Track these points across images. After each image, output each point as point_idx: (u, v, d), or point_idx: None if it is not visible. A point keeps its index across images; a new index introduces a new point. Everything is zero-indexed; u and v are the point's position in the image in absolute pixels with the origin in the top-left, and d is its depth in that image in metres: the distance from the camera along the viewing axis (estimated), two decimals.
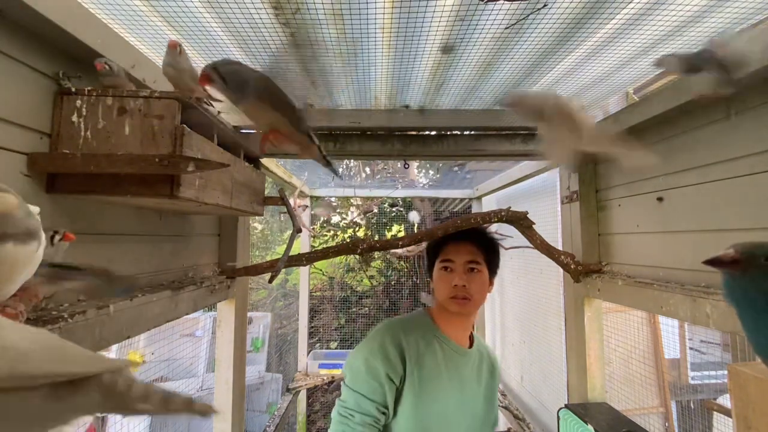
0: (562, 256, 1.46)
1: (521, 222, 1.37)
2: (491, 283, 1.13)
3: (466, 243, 1.11)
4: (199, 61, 1.20)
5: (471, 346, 1.13)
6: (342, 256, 5.39)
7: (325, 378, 3.40)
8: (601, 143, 1.02)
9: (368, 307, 5.63)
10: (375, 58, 1.17)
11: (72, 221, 0.86)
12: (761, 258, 0.55)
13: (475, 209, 3.62)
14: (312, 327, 4.72)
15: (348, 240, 5.33)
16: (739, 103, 0.98)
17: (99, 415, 3.23)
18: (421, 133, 1.72)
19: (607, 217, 1.56)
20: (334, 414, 0.97)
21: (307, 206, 3.59)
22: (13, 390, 0.32)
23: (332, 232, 5.61)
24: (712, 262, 0.59)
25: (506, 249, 2.74)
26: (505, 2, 0.90)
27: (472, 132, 1.71)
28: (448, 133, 1.72)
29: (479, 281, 1.07)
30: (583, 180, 1.64)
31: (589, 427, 1.42)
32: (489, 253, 1.12)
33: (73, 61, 0.87)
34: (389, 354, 0.96)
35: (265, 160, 1.92)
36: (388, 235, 5.39)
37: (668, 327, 3.41)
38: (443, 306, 1.08)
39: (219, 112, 1.14)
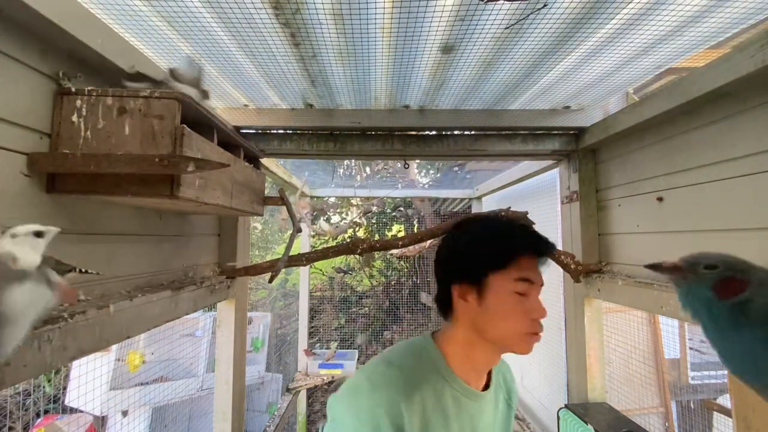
0: (562, 256, 1.46)
1: (521, 222, 1.37)
2: None
3: (543, 259, 0.78)
4: (199, 61, 1.20)
5: (489, 383, 0.83)
6: (342, 257, 5.40)
7: (325, 378, 3.40)
8: None
9: (368, 307, 5.63)
10: (375, 58, 1.17)
11: (72, 221, 0.86)
12: (701, 266, 0.55)
13: (475, 209, 3.62)
14: (312, 327, 4.72)
15: (348, 240, 5.33)
16: (739, 103, 0.98)
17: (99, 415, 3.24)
18: (421, 133, 1.72)
19: (607, 217, 1.56)
20: None
21: (307, 211, 3.60)
22: None
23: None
24: (653, 266, 0.60)
25: None
26: (505, 2, 0.90)
27: (472, 132, 1.71)
28: (448, 133, 1.72)
29: None
30: (583, 180, 1.64)
31: (589, 427, 1.42)
32: None
33: (73, 61, 0.87)
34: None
35: (265, 160, 1.92)
36: (389, 235, 5.39)
37: (668, 327, 3.41)
38: (500, 342, 0.75)
39: None
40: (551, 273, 2.23)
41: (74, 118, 0.81)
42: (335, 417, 0.73)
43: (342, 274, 5.50)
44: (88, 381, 2.90)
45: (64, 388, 3.39)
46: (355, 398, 0.72)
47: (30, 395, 3.45)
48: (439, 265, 0.84)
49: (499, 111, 1.59)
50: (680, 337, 3.57)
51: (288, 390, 3.32)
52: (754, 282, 0.51)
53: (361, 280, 5.92)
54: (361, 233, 5.54)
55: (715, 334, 0.54)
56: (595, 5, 0.93)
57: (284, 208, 1.51)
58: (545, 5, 0.92)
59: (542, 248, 0.77)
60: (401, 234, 5.17)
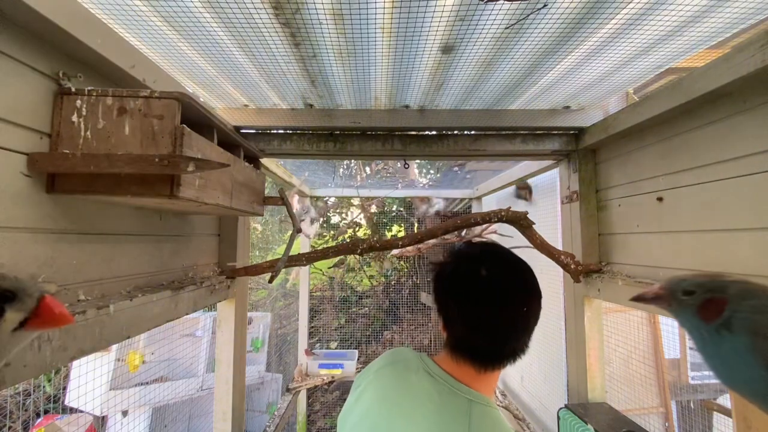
0: (562, 256, 1.46)
1: (521, 222, 1.37)
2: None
3: None
4: (199, 61, 1.20)
5: None
6: (342, 256, 5.40)
7: (325, 378, 3.40)
8: None
9: (368, 307, 5.64)
10: (375, 58, 1.17)
11: (72, 221, 0.86)
12: (679, 293, 0.57)
13: (475, 209, 3.62)
14: (312, 327, 4.73)
15: (348, 240, 5.33)
16: (739, 103, 0.98)
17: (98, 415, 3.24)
18: (421, 133, 1.72)
19: (607, 217, 1.56)
20: None
21: (308, 208, 3.59)
22: None
23: (332, 233, 5.61)
24: (637, 298, 0.64)
25: None
26: (505, 2, 0.90)
27: (472, 132, 1.71)
28: (448, 133, 1.72)
29: None
30: (583, 180, 1.64)
31: (589, 427, 1.42)
32: None
33: (73, 61, 0.87)
34: None
35: (265, 160, 1.92)
36: (388, 235, 5.40)
37: (668, 327, 3.41)
38: None
39: None
40: (551, 273, 2.24)
41: (74, 118, 0.81)
42: None
43: (342, 266, 5.48)
44: (88, 381, 2.90)
45: (64, 388, 3.39)
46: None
47: (30, 395, 3.45)
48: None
49: (499, 111, 1.59)
50: (680, 337, 3.57)
51: (288, 390, 3.32)
52: (732, 297, 0.53)
53: (361, 280, 5.92)
54: (360, 233, 5.54)
55: (710, 353, 0.55)
56: (595, 5, 0.93)
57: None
58: (545, 5, 0.92)
59: None
60: (401, 234, 5.16)
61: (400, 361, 0.86)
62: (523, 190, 2.59)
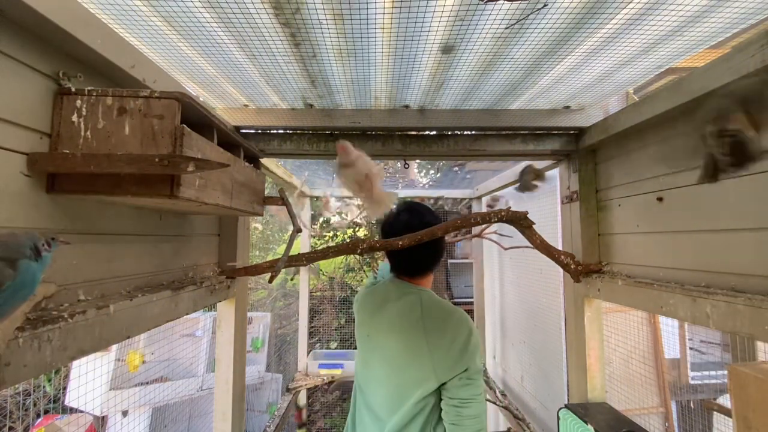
0: (562, 256, 1.46)
1: (521, 222, 1.37)
2: None
3: None
4: (199, 61, 1.20)
5: None
6: (342, 257, 5.39)
7: (325, 378, 3.40)
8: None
9: None
10: (375, 58, 1.17)
11: (72, 221, 0.86)
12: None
13: (475, 209, 3.62)
14: (312, 327, 4.72)
15: (348, 240, 5.33)
16: None
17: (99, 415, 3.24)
18: (421, 133, 1.72)
19: (607, 217, 1.56)
20: (480, 410, 1.09)
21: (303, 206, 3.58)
22: None
23: (332, 233, 5.61)
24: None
25: (506, 249, 2.74)
26: (505, 2, 0.90)
27: (472, 132, 1.71)
28: (448, 133, 1.72)
29: None
30: (583, 180, 1.64)
31: (589, 427, 1.42)
32: None
33: (73, 61, 0.87)
34: None
35: (265, 160, 1.92)
36: None
37: (668, 327, 3.42)
38: None
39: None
40: (551, 273, 2.23)
41: (74, 118, 0.81)
42: (478, 345, 1.18)
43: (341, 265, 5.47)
44: (88, 381, 2.90)
45: (64, 388, 3.39)
46: (473, 326, 1.23)
47: (30, 395, 3.45)
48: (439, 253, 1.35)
49: (499, 111, 1.59)
50: (680, 337, 3.57)
51: (288, 390, 3.32)
52: None
53: (361, 280, 5.91)
54: (361, 233, 5.54)
55: None
56: (595, 5, 0.93)
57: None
58: (545, 5, 0.92)
59: None
60: None
61: (370, 285, 1.45)
62: (529, 175, 1.97)
